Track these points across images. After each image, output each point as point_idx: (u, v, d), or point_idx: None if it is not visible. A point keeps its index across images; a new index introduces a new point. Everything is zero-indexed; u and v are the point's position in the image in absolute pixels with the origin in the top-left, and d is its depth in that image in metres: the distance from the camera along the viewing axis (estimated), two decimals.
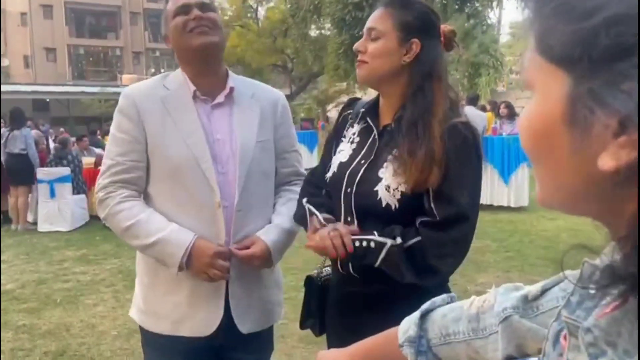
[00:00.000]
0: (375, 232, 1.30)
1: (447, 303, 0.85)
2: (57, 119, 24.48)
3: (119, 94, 1.66)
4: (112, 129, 1.55)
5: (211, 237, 1.49)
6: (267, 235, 1.54)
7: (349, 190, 1.38)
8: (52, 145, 9.97)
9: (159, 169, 1.51)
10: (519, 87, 25.10)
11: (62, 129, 14.38)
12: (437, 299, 0.86)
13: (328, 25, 22.17)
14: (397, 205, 1.31)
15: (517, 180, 7.89)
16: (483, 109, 8.68)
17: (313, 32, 26.49)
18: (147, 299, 1.60)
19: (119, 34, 37.27)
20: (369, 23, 1.39)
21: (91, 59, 37.51)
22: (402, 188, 1.30)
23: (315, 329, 1.56)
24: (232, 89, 1.57)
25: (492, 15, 21.20)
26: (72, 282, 4.91)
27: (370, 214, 1.35)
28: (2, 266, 5.05)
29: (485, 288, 4.53)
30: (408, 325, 0.83)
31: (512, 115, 8.80)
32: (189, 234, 1.46)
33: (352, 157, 1.43)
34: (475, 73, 17.10)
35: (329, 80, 23.83)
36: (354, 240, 1.30)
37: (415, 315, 0.84)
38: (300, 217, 1.47)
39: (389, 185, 1.31)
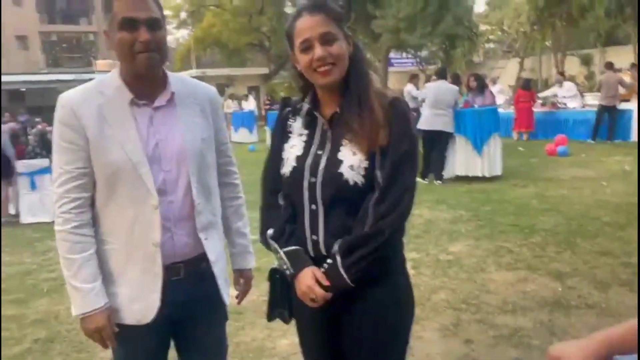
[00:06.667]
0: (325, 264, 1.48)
1: None
2: (33, 108, 24.06)
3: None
4: (55, 137, 1.59)
5: (146, 236, 1.60)
6: (248, 264, 1.94)
7: (312, 180, 1.49)
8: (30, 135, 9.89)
9: (99, 173, 1.58)
10: (495, 57, 25.18)
11: (37, 119, 14.09)
12: None
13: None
14: (363, 182, 1.44)
15: (490, 150, 8.07)
16: (455, 80, 8.74)
17: (289, 9, 26.22)
18: None
19: (91, 18, 36.41)
20: (317, 29, 1.44)
21: (64, 45, 36.68)
22: (364, 164, 1.44)
23: (285, 316, 1.62)
24: (173, 93, 1.64)
25: None
26: (57, 272, 4.94)
27: (337, 198, 1.46)
28: None
29: (456, 257, 4.76)
30: None
31: (481, 86, 8.90)
32: (98, 302, 1.57)
33: (306, 149, 1.53)
34: (451, 45, 17.21)
35: None
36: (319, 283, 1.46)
37: None
38: (266, 245, 1.59)
39: (352, 165, 1.44)
